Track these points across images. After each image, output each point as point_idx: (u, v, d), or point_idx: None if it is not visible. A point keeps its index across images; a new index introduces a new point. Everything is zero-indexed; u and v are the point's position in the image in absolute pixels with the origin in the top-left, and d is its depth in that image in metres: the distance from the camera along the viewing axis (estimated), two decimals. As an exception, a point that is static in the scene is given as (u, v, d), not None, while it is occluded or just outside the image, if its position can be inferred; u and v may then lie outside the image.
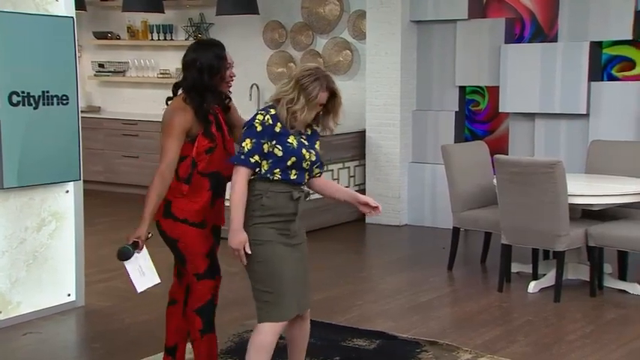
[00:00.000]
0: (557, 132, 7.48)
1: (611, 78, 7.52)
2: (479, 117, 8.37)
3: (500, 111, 7.85)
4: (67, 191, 5.37)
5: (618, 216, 6.04)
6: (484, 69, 7.83)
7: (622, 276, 6.00)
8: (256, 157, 3.44)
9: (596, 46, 7.36)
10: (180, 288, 3.96)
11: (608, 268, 6.06)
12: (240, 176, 3.44)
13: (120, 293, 5.68)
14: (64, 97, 5.20)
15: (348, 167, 8.34)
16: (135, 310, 5.37)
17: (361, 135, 8.37)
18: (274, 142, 3.44)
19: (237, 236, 3.43)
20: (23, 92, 4.96)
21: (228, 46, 3.92)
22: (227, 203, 3.61)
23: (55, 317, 5.26)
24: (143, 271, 3.71)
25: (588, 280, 5.80)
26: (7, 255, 5.06)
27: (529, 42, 7.87)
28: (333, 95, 3.52)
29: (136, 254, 3.65)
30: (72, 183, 5.38)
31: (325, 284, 6.03)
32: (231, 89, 3.88)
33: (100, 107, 10.87)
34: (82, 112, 5.51)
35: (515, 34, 7.93)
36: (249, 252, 3.44)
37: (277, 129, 3.45)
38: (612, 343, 4.78)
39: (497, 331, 5.01)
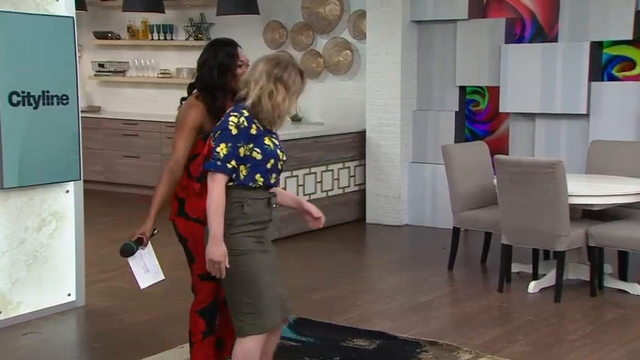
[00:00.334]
0: (558, 132, 7.48)
1: (612, 78, 7.52)
2: (479, 117, 8.37)
3: (500, 111, 7.85)
4: (67, 191, 5.37)
5: (619, 216, 6.04)
6: (484, 69, 7.83)
7: (622, 276, 6.00)
8: (233, 163, 3.25)
9: (597, 46, 7.36)
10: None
11: (608, 268, 6.06)
12: (217, 183, 3.24)
13: (120, 293, 5.68)
14: (64, 97, 5.20)
15: (349, 167, 8.34)
16: (135, 310, 5.37)
17: (361, 135, 8.37)
18: (251, 145, 3.27)
19: (219, 248, 3.23)
20: (23, 92, 4.96)
21: (229, 46, 3.93)
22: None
23: (55, 317, 5.26)
24: (147, 268, 3.69)
25: (588, 280, 5.80)
26: (7, 255, 5.06)
27: (529, 42, 7.87)
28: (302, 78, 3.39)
29: (140, 251, 3.63)
30: (72, 183, 5.38)
31: (325, 284, 6.04)
32: None
33: (100, 107, 10.87)
34: (82, 112, 5.51)
35: (515, 34, 7.92)
36: (229, 266, 3.26)
37: (253, 131, 3.28)
38: (612, 343, 4.78)
39: (497, 331, 5.01)
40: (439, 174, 7.59)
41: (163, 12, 9.54)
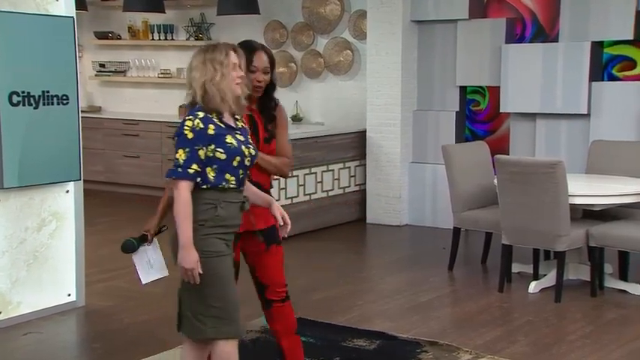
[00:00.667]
0: (558, 132, 7.48)
1: (612, 78, 7.52)
2: (479, 117, 8.37)
3: (501, 111, 7.84)
4: (68, 191, 5.37)
5: (619, 216, 6.04)
6: (485, 69, 7.83)
7: (623, 276, 5.99)
8: (194, 167, 3.17)
9: (597, 46, 7.35)
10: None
11: (608, 268, 6.06)
12: (182, 190, 3.16)
13: (120, 293, 5.68)
14: (65, 97, 5.20)
15: (349, 167, 8.33)
16: (135, 310, 5.37)
17: (362, 135, 8.37)
18: (213, 145, 3.19)
19: (190, 254, 3.16)
20: (23, 92, 4.96)
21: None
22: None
23: (55, 317, 5.26)
24: (151, 264, 3.69)
25: (589, 280, 5.80)
26: (7, 255, 5.06)
27: (530, 42, 7.87)
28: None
29: (145, 247, 3.63)
30: (72, 183, 5.38)
31: (325, 284, 6.04)
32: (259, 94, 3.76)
33: (100, 107, 10.87)
34: (82, 112, 5.51)
35: (516, 34, 7.92)
36: (202, 272, 3.19)
37: (211, 131, 3.20)
38: (612, 343, 4.78)
39: (497, 332, 5.00)
40: (439, 174, 7.59)
41: (164, 12, 9.55)
